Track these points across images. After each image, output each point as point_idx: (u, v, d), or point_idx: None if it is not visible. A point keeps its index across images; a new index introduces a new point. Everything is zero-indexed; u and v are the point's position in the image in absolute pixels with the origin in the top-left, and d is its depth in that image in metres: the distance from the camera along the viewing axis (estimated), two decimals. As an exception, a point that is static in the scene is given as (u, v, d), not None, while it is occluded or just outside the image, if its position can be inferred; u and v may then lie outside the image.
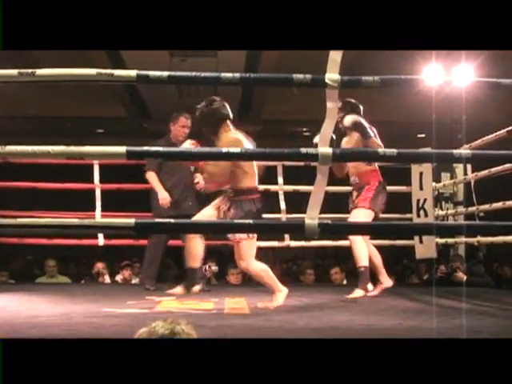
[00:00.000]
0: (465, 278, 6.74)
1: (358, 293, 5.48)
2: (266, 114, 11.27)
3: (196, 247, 5.26)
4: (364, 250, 5.56)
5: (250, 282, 8.52)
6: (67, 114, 7.10)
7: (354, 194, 5.80)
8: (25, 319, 4.19)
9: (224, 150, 3.59)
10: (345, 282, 7.98)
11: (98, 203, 7.33)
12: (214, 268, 8.02)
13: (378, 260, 5.83)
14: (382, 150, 3.73)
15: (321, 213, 3.63)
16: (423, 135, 12.15)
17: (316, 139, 4.96)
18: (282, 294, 4.94)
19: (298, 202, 6.09)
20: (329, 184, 3.77)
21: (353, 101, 5.80)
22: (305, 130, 12.35)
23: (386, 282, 5.83)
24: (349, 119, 5.57)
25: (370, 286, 5.69)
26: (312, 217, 3.56)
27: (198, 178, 5.55)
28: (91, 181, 7.38)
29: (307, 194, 3.74)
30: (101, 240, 7.13)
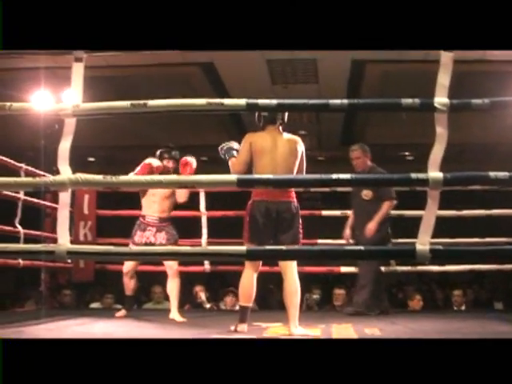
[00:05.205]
0: None
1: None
2: (369, 138, 11.23)
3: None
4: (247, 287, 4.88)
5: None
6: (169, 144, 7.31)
7: None
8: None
9: (334, 176, 3.57)
10: (463, 307, 7.81)
11: (205, 230, 7.49)
12: (316, 297, 8.02)
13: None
14: (493, 173, 3.65)
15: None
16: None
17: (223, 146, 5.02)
18: None
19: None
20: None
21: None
22: (407, 154, 12.23)
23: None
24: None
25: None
26: (423, 242, 3.53)
27: None
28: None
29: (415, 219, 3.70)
30: (207, 266, 7.21)
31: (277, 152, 4.82)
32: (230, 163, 4.94)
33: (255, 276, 4.87)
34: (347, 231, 6.79)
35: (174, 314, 6.16)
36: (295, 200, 4.90)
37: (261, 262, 4.87)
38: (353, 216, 6.80)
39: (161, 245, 5.99)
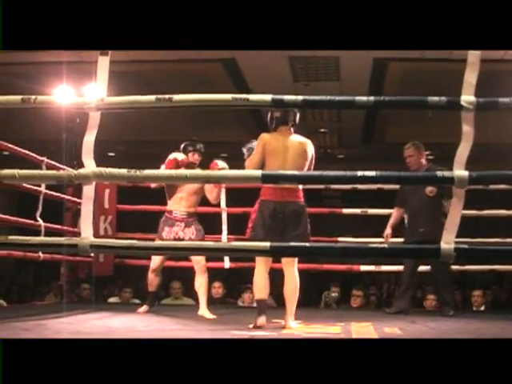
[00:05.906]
0: None
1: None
2: (390, 137, 11.20)
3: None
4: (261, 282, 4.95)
5: (372, 307, 8.50)
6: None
7: None
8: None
9: (359, 173, 3.56)
10: (483, 307, 7.79)
11: (225, 226, 7.47)
12: (334, 295, 8.03)
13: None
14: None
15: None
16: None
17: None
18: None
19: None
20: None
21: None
22: (428, 153, 12.13)
23: None
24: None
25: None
26: (448, 241, 3.51)
27: None
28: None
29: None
30: (227, 263, 7.21)
31: (287, 153, 4.92)
32: (246, 161, 5.03)
33: (267, 271, 4.93)
34: (389, 230, 6.57)
35: (204, 311, 6.07)
36: (302, 200, 4.99)
37: (271, 259, 4.92)
38: (404, 214, 6.59)
39: (190, 240, 5.97)
